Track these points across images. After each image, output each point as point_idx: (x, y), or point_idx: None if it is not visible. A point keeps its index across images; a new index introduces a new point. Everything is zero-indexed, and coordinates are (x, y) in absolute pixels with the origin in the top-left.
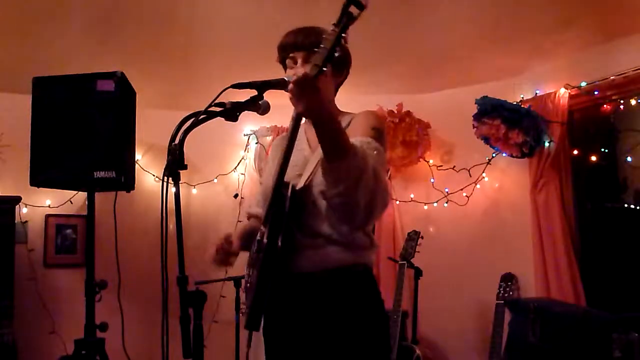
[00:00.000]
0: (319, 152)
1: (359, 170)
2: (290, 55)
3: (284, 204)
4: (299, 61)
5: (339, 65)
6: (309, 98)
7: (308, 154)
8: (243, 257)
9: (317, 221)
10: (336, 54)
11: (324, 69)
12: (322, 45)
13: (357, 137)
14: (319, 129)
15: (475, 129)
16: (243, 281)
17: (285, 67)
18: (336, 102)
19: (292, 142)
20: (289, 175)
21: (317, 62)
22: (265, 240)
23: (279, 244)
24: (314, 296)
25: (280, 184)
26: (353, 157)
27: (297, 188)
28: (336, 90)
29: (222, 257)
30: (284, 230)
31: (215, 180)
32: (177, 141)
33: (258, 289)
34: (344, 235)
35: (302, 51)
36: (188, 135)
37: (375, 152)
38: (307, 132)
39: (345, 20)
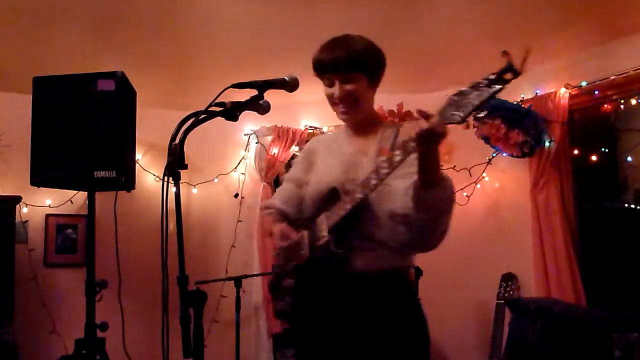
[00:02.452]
0: (372, 158)
1: (449, 201)
2: (326, 76)
3: (346, 211)
4: (337, 84)
5: (377, 79)
6: (434, 145)
7: (360, 158)
8: (242, 258)
9: (374, 228)
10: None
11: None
12: (466, 100)
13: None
14: (424, 163)
15: (475, 128)
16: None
17: (320, 79)
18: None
19: (394, 166)
20: (341, 179)
21: (459, 114)
22: (322, 242)
23: (340, 250)
24: (361, 295)
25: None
26: (444, 188)
27: (357, 196)
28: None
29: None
30: (346, 237)
31: (216, 180)
32: (177, 141)
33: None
34: (396, 242)
35: (338, 73)
36: (188, 135)
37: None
38: (349, 135)
39: (499, 87)
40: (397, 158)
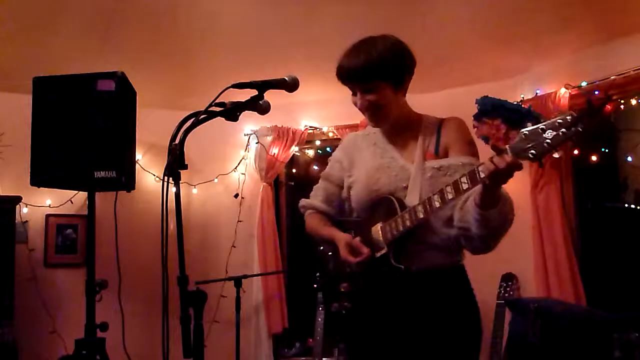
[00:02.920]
0: (419, 165)
1: (509, 217)
2: (348, 85)
3: (407, 228)
4: (358, 94)
5: (401, 83)
6: (505, 180)
7: (404, 163)
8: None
9: (428, 235)
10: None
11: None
12: (541, 138)
13: (462, 157)
14: (489, 191)
15: (475, 128)
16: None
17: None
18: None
19: (460, 193)
20: (390, 185)
21: (531, 152)
22: (381, 254)
23: (401, 265)
24: (416, 293)
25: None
26: (504, 206)
27: (420, 216)
28: (405, 94)
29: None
30: (404, 246)
31: (216, 180)
32: (177, 141)
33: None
34: (449, 243)
35: (358, 83)
36: (188, 135)
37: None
38: (388, 135)
39: (580, 128)
40: (464, 186)
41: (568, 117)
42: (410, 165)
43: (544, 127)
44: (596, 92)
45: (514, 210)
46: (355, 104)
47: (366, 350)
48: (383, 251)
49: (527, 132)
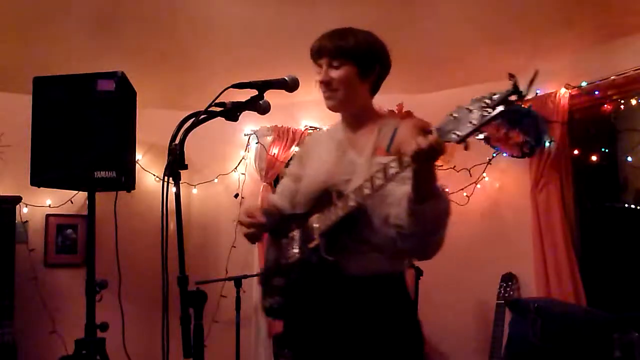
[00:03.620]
0: (367, 158)
1: (444, 215)
2: (318, 62)
3: (338, 218)
4: (323, 67)
5: (368, 69)
6: (430, 163)
7: (354, 157)
8: (242, 258)
9: (369, 233)
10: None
11: (464, 143)
12: (467, 119)
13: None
14: (418, 178)
15: None
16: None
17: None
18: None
19: (388, 179)
20: (334, 178)
21: (457, 134)
22: (314, 245)
23: (330, 256)
24: (354, 299)
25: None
26: (439, 202)
27: (350, 204)
28: (375, 90)
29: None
30: (340, 240)
31: (216, 180)
32: (177, 141)
33: (301, 289)
34: (389, 248)
35: (326, 57)
36: (188, 135)
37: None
38: (345, 130)
39: (502, 109)
40: (392, 171)
41: (494, 97)
42: (358, 159)
43: (470, 107)
44: (596, 92)
45: (449, 213)
46: (317, 83)
47: (301, 351)
48: (315, 242)
49: (455, 114)
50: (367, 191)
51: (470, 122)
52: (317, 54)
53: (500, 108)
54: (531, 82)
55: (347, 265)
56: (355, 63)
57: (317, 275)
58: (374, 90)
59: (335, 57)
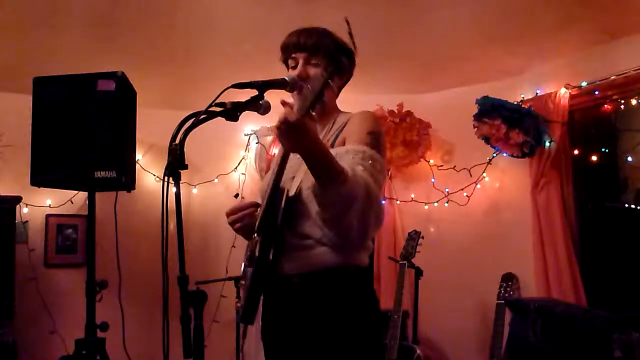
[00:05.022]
0: None
1: (350, 197)
2: (292, 56)
3: (277, 215)
4: (300, 62)
5: (341, 70)
6: (296, 139)
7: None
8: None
9: (308, 224)
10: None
11: (312, 112)
12: (309, 87)
13: (351, 145)
14: (306, 160)
15: (475, 128)
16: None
17: (287, 67)
18: (337, 101)
19: (281, 172)
20: (284, 179)
21: (304, 104)
22: (257, 250)
23: (271, 256)
24: (302, 298)
25: (274, 194)
26: (342, 183)
27: (290, 194)
28: (339, 91)
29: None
30: (276, 241)
31: (216, 180)
32: (177, 141)
33: (251, 291)
34: (334, 238)
35: (304, 52)
36: (188, 135)
37: (370, 162)
38: None
39: (333, 68)
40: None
41: (328, 63)
42: None
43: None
44: (596, 92)
45: (357, 193)
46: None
47: (269, 352)
48: (256, 238)
49: (308, 87)
50: (302, 185)
51: (309, 90)
52: (295, 48)
53: (327, 79)
54: (350, 34)
55: (291, 264)
56: (332, 63)
57: (258, 275)
58: (340, 90)
59: (314, 54)
